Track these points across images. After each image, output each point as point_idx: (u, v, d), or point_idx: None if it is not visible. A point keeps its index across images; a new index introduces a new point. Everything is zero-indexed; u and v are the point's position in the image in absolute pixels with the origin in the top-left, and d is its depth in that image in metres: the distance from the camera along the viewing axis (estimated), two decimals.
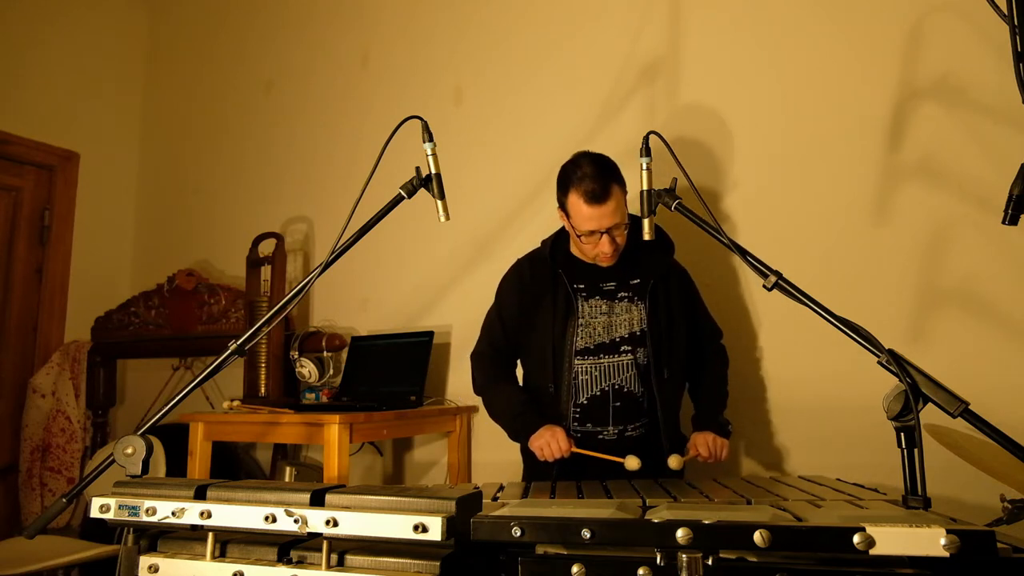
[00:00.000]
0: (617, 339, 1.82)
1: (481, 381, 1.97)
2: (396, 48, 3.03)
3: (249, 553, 0.95)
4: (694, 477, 1.69)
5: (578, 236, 1.76)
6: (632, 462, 1.66)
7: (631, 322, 1.82)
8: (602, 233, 1.71)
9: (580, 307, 1.83)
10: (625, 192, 1.76)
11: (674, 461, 1.69)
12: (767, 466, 2.15)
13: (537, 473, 1.83)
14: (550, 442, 1.72)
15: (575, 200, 1.70)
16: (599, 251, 1.75)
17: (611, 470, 1.67)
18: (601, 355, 1.81)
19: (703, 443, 1.76)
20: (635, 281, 1.85)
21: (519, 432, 1.83)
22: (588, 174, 1.69)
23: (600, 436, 1.80)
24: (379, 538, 0.87)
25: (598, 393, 1.80)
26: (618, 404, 1.80)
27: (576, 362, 1.81)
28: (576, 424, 1.81)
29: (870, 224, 2.06)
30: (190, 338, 3.13)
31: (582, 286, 1.85)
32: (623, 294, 1.85)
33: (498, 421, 1.92)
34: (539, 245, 1.97)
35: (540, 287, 1.87)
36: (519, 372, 2.02)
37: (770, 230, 2.19)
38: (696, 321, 1.95)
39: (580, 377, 1.81)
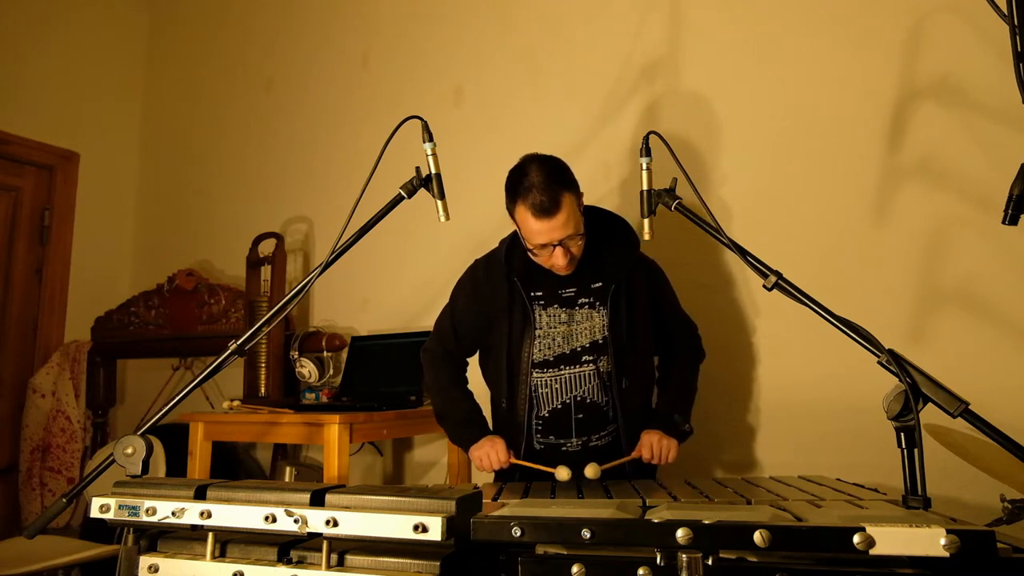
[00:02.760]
0: (578, 348, 1.73)
1: (430, 381, 1.91)
2: (396, 48, 3.03)
3: (249, 553, 0.95)
4: (693, 477, 1.68)
5: (529, 249, 1.65)
6: (562, 472, 1.58)
7: (592, 330, 1.73)
8: (554, 246, 1.60)
9: (537, 317, 1.73)
10: (579, 197, 1.64)
11: (590, 471, 1.58)
12: (767, 466, 2.15)
13: (503, 474, 1.78)
14: (489, 453, 1.69)
15: (522, 212, 1.58)
16: (553, 264, 1.64)
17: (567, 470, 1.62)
18: (561, 366, 1.73)
19: (647, 444, 1.68)
20: (596, 284, 1.74)
21: (460, 440, 1.80)
22: (535, 183, 1.55)
23: (564, 448, 1.74)
24: (379, 538, 0.87)
25: (559, 406, 1.73)
26: (580, 416, 1.73)
27: (535, 375, 1.73)
28: (539, 436, 1.75)
29: (870, 224, 2.06)
30: (190, 338, 3.13)
31: (539, 294, 1.74)
32: (584, 300, 1.74)
33: (441, 424, 1.88)
34: (498, 244, 1.86)
35: (496, 294, 1.76)
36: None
37: (770, 230, 2.19)
38: (664, 318, 1.85)
39: (540, 390, 1.74)
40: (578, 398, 1.73)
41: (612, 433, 1.76)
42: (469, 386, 1.93)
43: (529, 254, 1.68)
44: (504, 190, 1.66)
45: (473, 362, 1.97)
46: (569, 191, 1.59)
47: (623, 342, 1.73)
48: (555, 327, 1.74)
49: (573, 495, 1.38)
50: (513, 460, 1.71)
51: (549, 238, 1.59)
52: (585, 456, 1.69)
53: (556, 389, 1.74)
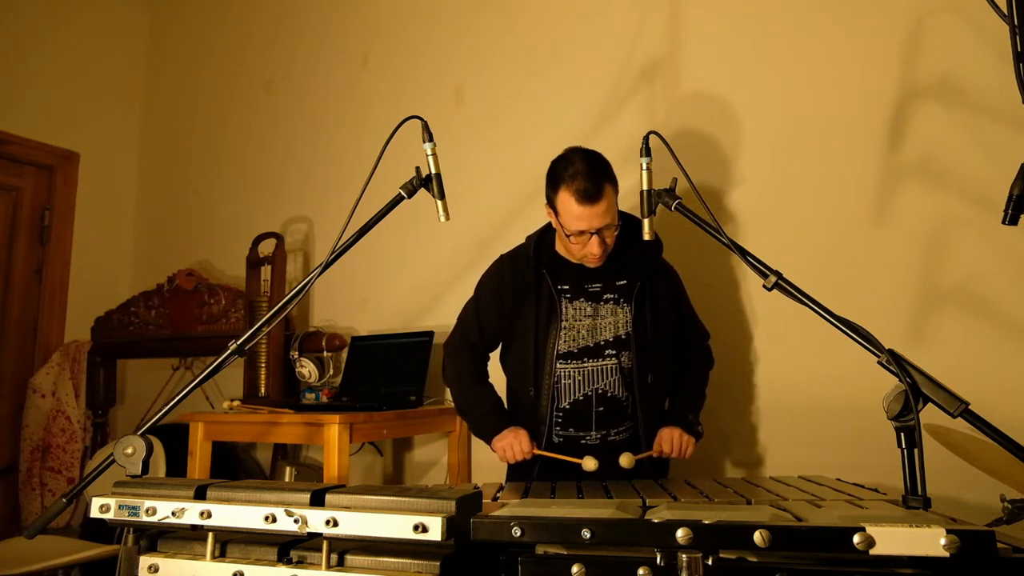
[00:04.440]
0: (601, 342, 1.77)
1: (451, 373, 1.93)
2: (396, 48, 3.03)
3: (249, 553, 0.95)
4: (693, 477, 1.69)
5: (567, 235, 1.69)
6: (589, 463, 1.64)
7: (616, 325, 1.78)
8: (592, 234, 1.65)
9: (564, 309, 1.77)
10: (617, 191, 1.69)
11: (625, 459, 1.67)
12: (767, 466, 2.15)
13: (516, 475, 1.81)
14: (512, 444, 1.72)
15: (565, 198, 1.64)
16: (587, 252, 1.69)
17: (587, 473, 1.65)
18: (585, 359, 1.76)
19: (668, 439, 1.75)
20: (621, 282, 1.80)
21: (483, 432, 1.82)
22: (580, 172, 1.62)
23: (583, 441, 1.76)
24: (379, 538, 0.87)
25: (581, 398, 1.76)
26: (601, 409, 1.76)
27: (558, 366, 1.76)
28: (559, 429, 1.78)
29: (870, 224, 2.06)
30: (190, 338, 3.13)
31: (566, 287, 1.79)
32: (608, 296, 1.79)
33: (464, 417, 1.92)
34: (524, 240, 1.91)
35: (522, 287, 1.81)
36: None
37: (770, 230, 2.19)
38: (683, 322, 1.91)
39: (563, 381, 1.76)
40: (600, 391, 1.76)
41: (630, 429, 1.80)
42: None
43: (564, 242, 1.73)
44: (545, 178, 1.73)
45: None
46: (610, 183, 1.66)
47: (647, 339, 1.78)
48: (580, 320, 1.78)
49: (573, 495, 1.38)
50: (536, 451, 1.73)
51: (588, 225, 1.64)
52: (604, 450, 1.73)
53: (579, 381, 1.77)
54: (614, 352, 1.77)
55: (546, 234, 1.86)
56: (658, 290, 1.82)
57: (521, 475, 1.79)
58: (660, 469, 1.85)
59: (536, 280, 1.80)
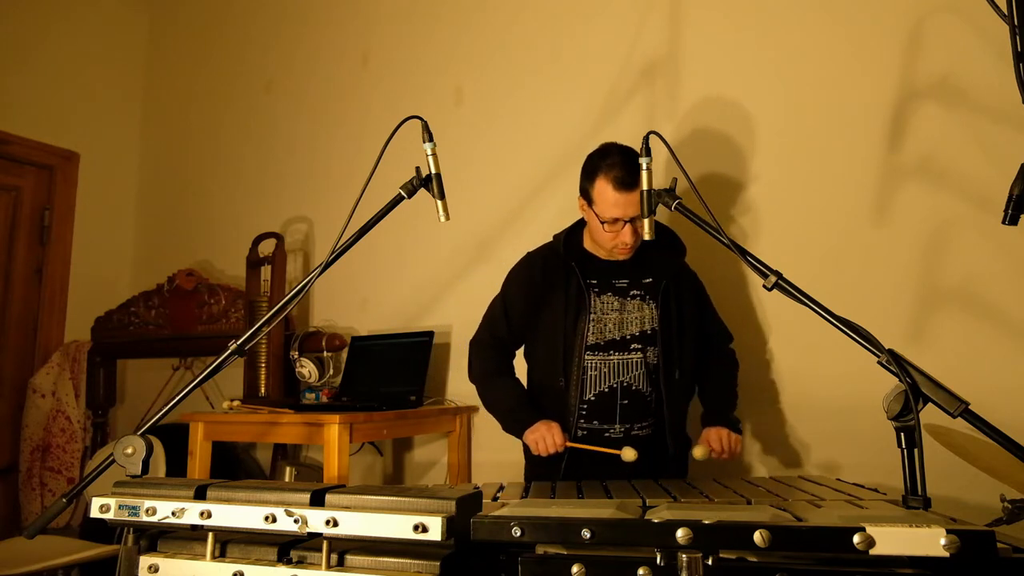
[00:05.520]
0: (628, 336, 1.81)
1: (478, 370, 1.96)
2: (396, 48, 3.03)
3: (249, 553, 0.95)
4: (694, 477, 1.69)
5: (601, 223, 1.73)
6: (629, 453, 1.67)
7: (642, 320, 1.82)
8: (625, 222, 1.70)
9: (592, 302, 1.81)
10: None
11: (699, 451, 1.73)
12: (769, 466, 2.15)
13: (539, 471, 1.82)
14: (545, 436, 1.73)
15: (603, 186, 1.70)
16: (619, 241, 1.74)
17: (613, 467, 1.67)
18: (611, 352, 1.80)
19: (716, 438, 1.77)
20: (647, 280, 1.85)
21: (514, 425, 1.83)
22: (618, 162, 1.69)
23: (606, 434, 1.79)
24: (379, 538, 0.87)
25: (606, 390, 1.79)
26: (626, 402, 1.79)
27: (586, 357, 1.80)
28: (583, 421, 1.80)
29: (870, 224, 2.06)
30: (190, 338, 3.13)
31: (594, 281, 1.83)
32: (635, 292, 1.84)
33: (492, 412, 1.92)
34: (551, 239, 1.95)
35: (551, 281, 1.85)
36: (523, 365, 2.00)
37: (770, 230, 2.19)
38: (706, 324, 1.95)
39: (589, 373, 1.80)
40: (624, 384, 1.80)
41: (652, 424, 1.82)
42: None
43: (598, 230, 1.76)
44: (581, 170, 1.78)
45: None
46: None
47: (672, 335, 1.82)
48: (608, 313, 1.82)
49: (573, 495, 1.38)
50: (569, 443, 1.74)
51: (624, 212, 1.69)
52: (627, 444, 1.74)
53: (604, 373, 1.80)
54: (640, 347, 1.81)
55: (574, 232, 1.91)
56: (682, 291, 1.88)
57: (546, 468, 1.80)
58: (680, 469, 1.87)
59: (565, 274, 1.84)
